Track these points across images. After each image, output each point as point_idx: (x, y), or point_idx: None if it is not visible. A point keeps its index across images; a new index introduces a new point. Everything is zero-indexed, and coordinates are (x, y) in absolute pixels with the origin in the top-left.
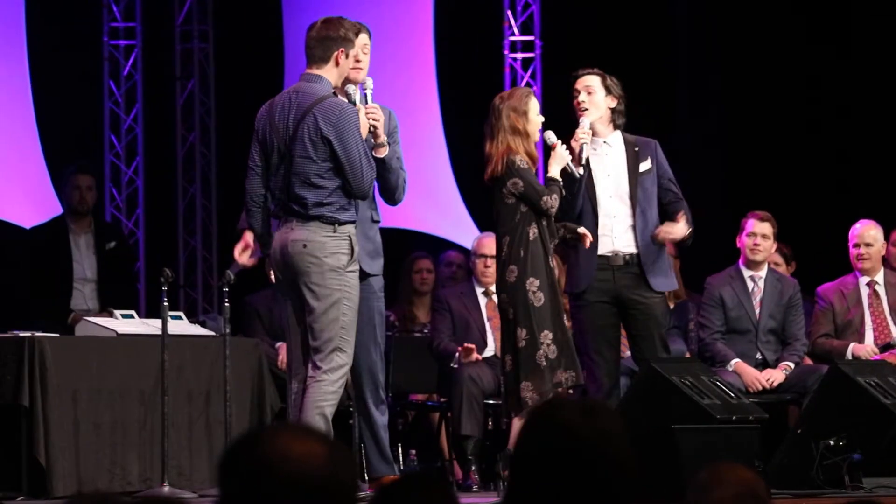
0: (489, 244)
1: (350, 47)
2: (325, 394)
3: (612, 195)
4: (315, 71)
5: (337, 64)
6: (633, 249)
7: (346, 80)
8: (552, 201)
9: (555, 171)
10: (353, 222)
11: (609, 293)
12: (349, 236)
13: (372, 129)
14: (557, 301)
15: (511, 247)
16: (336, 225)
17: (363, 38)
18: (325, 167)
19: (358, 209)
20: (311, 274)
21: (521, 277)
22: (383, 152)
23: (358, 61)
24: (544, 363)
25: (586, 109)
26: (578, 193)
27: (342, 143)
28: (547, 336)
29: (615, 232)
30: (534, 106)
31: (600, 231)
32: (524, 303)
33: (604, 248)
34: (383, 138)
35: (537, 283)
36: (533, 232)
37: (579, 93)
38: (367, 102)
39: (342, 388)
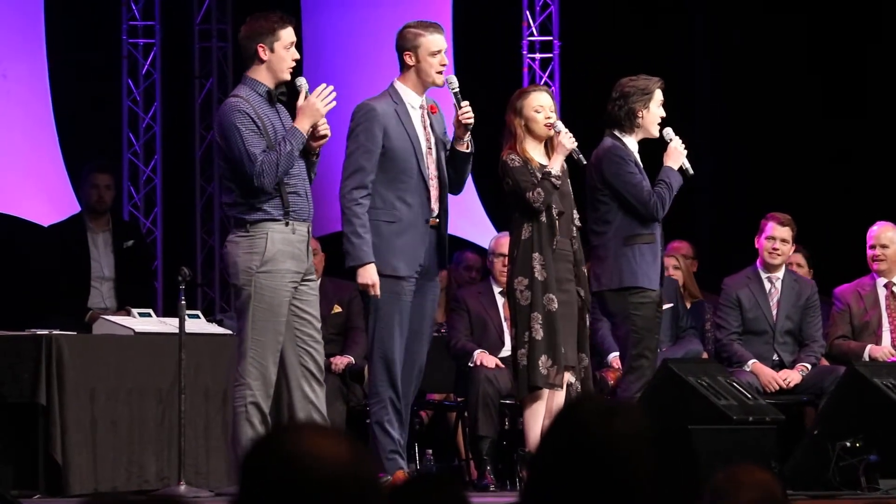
0: (506, 243)
1: (273, 40)
2: (244, 405)
3: None
4: (246, 73)
5: (261, 60)
6: None
7: (428, 83)
8: (536, 196)
9: (554, 166)
10: (269, 220)
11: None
12: (265, 235)
13: (466, 126)
14: (542, 301)
15: (511, 246)
16: (247, 225)
17: (438, 39)
18: (227, 168)
19: (287, 206)
20: (229, 275)
21: (512, 276)
22: (466, 147)
23: (443, 64)
24: (524, 362)
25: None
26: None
27: (223, 139)
28: (526, 335)
29: None
30: (530, 102)
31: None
32: (514, 302)
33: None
34: (468, 135)
35: (525, 282)
36: (526, 231)
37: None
38: (457, 101)
39: (268, 398)
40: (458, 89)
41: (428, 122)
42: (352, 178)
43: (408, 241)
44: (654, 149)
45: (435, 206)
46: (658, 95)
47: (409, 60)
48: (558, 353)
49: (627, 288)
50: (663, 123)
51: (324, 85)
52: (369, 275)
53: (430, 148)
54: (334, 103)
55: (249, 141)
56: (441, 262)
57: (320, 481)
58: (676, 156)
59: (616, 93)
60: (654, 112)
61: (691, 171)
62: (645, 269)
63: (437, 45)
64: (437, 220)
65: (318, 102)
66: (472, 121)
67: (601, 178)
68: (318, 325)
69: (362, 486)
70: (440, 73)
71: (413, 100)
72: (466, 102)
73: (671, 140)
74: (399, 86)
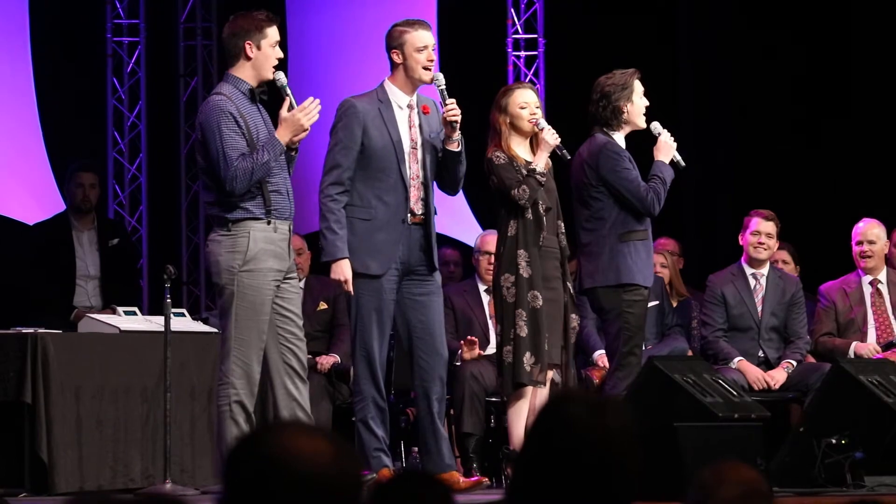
0: (492, 241)
1: (260, 37)
2: (228, 404)
3: None
4: (230, 71)
5: (247, 58)
6: None
7: (416, 80)
8: (522, 192)
9: (539, 163)
10: (251, 219)
11: None
12: (248, 233)
13: (452, 124)
14: (526, 298)
15: (497, 243)
16: (229, 224)
17: (423, 35)
18: (207, 167)
19: (269, 204)
20: (212, 274)
21: (498, 273)
22: (456, 146)
23: (430, 60)
24: (510, 359)
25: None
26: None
27: (203, 139)
28: (511, 333)
29: None
30: (515, 99)
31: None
32: (500, 299)
33: None
34: (458, 133)
35: (511, 279)
36: (512, 228)
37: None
38: (443, 99)
39: (252, 396)
40: (444, 87)
41: (416, 123)
42: (329, 174)
43: (383, 240)
44: (639, 141)
45: (416, 206)
46: (638, 87)
47: (397, 59)
48: (542, 350)
49: (623, 285)
50: (649, 116)
51: (311, 99)
52: (342, 270)
53: (414, 148)
54: (318, 117)
55: (229, 143)
56: (430, 262)
57: (303, 479)
58: (667, 149)
59: (596, 94)
60: (637, 104)
61: (683, 164)
62: (640, 265)
63: (422, 41)
64: (423, 218)
65: (302, 118)
66: (458, 118)
67: (596, 175)
68: (301, 323)
69: (345, 484)
70: (427, 69)
71: (400, 99)
72: (452, 101)
73: (659, 134)
74: (388, 85)
